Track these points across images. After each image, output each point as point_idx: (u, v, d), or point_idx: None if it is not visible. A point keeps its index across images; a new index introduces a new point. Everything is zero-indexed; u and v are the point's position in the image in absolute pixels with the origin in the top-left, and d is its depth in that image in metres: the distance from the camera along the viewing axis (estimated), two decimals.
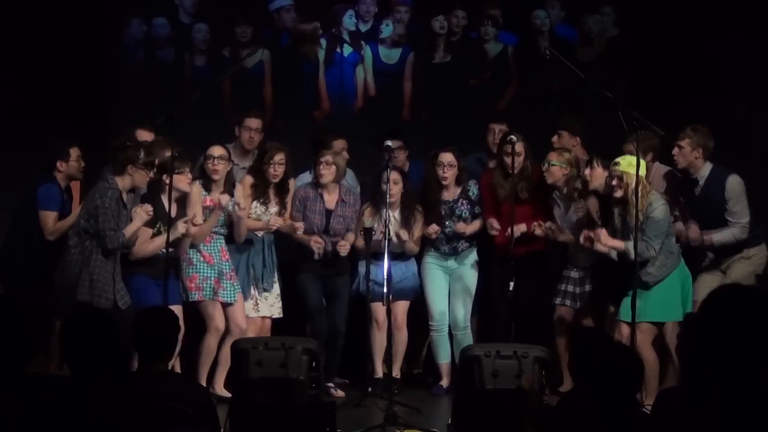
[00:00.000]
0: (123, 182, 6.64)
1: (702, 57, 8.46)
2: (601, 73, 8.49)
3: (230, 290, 7.14)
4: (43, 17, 8.64)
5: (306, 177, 7.63)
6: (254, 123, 7.59)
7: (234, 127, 7.69)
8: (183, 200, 6.95)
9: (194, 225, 6.88)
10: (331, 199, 7.43)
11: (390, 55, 9.23)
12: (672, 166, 7.13)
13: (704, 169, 6.97)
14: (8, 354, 3.26)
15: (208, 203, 7.09)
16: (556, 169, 7.22)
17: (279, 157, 7.25)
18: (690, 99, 8.14)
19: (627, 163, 6.61)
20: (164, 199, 6.76)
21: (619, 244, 6.67)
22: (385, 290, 6.85)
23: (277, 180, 7.31)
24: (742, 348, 2.72)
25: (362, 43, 9.20)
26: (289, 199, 7.42)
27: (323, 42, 9.19)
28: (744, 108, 8.10)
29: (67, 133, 7.57)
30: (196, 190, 7.05)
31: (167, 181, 6.50)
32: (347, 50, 9.16)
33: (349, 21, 9.20)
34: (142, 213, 6.62)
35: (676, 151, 6.96)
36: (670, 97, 8.29)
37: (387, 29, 9.21)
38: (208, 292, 7.07)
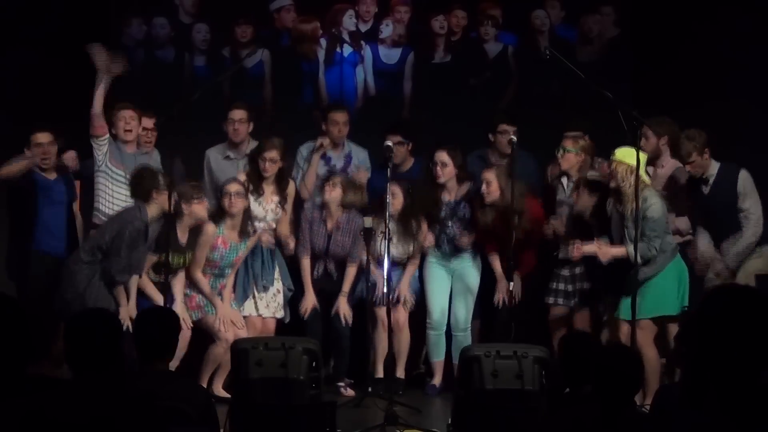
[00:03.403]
0: (152, 211, 6.78)
1: (702, 57, 8.45)
2: (601, 74, 8.48)
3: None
4: (43, 17, 8.63)
5: (310, 145, 7.83)
6: (237, 114, 7.66)
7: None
8: (197, 228, 7.04)
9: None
10: (332, 223, 7.48)
11: (390, 55, 9.22)
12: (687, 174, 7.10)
13: (712, 168, 6.96)
14: (10, 354, 3.26)
15: (218, 243, 7.14)
16: (571, 156, 7.23)
17: (271, 155, 7.31)
18: (690, 99, 8.14)
19: (622, 153, 6.61)
20: (179, 228, 6.93)
21: (620, 251, 6.65)
22: (385, 290, 6.89)
23: (267, 175, 7.36)
24: (742, 348, 2.72)
25: (362, 43, 9.19)
26: (288, 196, 7.49)
27: (323, 42, 9.18)
28: (745, 107, 8.09)
29: (66, 133, 7.57)
30: (211, 230, 7.10)
31: (186, 210, 6.84)
32: (347, 50, 9.15)
33: (349, 21, 9.19)
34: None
35: (689, 167, 6.93)
36: (671, 97, 8.28)
37: (387, 29, 9.20)
38: (209, 308, 7.19)
